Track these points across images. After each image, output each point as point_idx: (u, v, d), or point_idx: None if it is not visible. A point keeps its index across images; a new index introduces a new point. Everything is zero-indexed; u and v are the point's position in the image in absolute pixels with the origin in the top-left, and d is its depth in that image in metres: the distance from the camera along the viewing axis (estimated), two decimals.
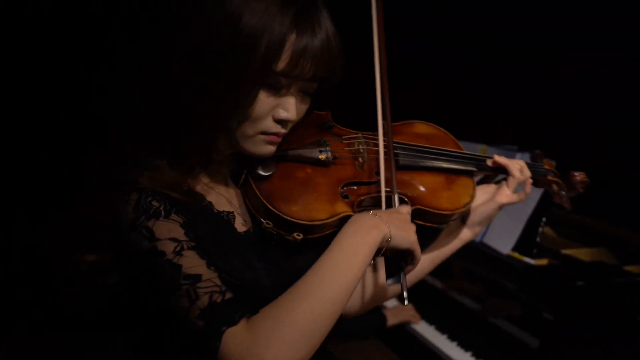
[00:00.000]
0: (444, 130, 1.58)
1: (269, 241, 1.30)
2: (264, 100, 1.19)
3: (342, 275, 1.14)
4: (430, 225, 1.43)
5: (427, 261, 1.57)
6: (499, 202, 1.52)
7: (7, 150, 3.81)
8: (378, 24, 1.38)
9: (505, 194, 1.53)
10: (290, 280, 1.19)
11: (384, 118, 1.39)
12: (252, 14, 1.14)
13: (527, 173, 1.55)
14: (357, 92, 1.59)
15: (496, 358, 2.27)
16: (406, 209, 1.33)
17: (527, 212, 2.39)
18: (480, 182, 1.61)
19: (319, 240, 1.30)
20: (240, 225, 1.30)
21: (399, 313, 2.62)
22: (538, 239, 2.35)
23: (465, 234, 1.56)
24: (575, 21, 2.82)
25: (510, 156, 2.48)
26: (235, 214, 1.30)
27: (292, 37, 1.15)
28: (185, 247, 1.12)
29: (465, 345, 2.38)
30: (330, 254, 1.17)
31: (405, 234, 1.25)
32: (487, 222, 1.57)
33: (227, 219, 1.27)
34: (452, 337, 2.46)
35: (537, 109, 2.90)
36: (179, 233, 1.13)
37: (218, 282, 1.11)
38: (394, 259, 1.29)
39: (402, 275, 1.28)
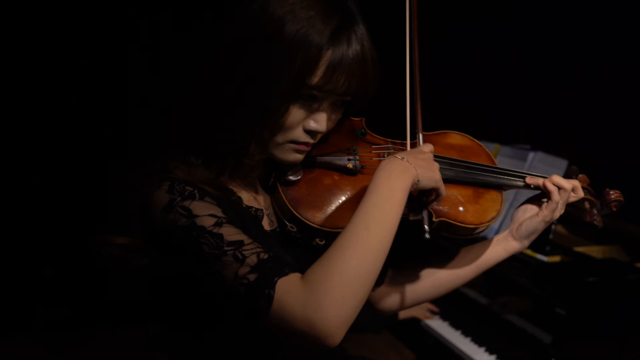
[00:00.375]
0: (478, 142, 1.58)
1: (293, 243, 1.34)
2: (296, 112, 1.23)
3: (383, 219, 1.16)
4: (455, 237, 1.44)
5: (473, 268, 1.55)
6: (546, 220, 1.47)
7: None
8: (411, 31, 1.40)
9: (550, 209, 1.47)
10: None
11: (414, 128, 1.41)
12: (294, 22, 1.17)
13: (566, 187, 1.48)
14: (392, 99, 1.61)
15: (510, 353, 2.32)
16: (429, 148, 1.35)
17: None
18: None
19: None
20: (267, 225, 1.35)
21: (412, 308, 2.64)
22: (551, 237, 2.39)
23: (513, 246, 1.53)
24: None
25: (524, 155, 2.55)
26: (263, 212, 1.34)
27: (329, 52, 1.18)
28: (224, 221, 1.15)
29: (479, 341, 2.43)
30: (369, 200, 1.18)
31: (431, 174, 1.27)
32: (536, 235, 1.52)
33: (255, 214, 1.31)
34: (466, 333, 2.51)
35: (549, 108, 2.93)
36: (217, 210, 1.16)
37: (260, 245, 1.14)
38: (420, 196, 1.32)
39: (424, 211, 1.31)
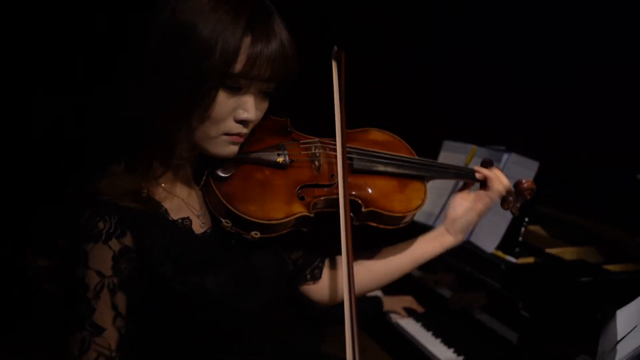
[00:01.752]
0: (398, 137, 1.66)
1: (228, 241, 1.38)
2: (224, 102, 1.26)
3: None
4: (384, 227, 1.51)
5: (409, 262, 1.65)
6: (477, 210, 1.62)
7: None
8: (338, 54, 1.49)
9: (483, 202, 1.63)
10: (243, 279, 1.33)
11: (343, 122, 1.47)
12: (205, 23, 1.21)
13: (504, 182, 1.65)
14: (315, 99, 1.66)
15: (477, 353, 2.33)
16: None
17: None
18: (460, 190, 1.69)
19: (275, 239, 1.38)
20: (198, 227, 1.38)
21: (397, 302, 2.66)
22: (520, 239, 2.39)
23: (448, 241, 1.65)
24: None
25: (498, 157, 2.56)
26: (193, 217, 1.37)
27: (248, 41, 1.23)
28: (106, 285, 1.21)
29: (449, 342, 2.44)
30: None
31: None
32: (469, 229, 1.65)
33: (182, 225, 1.35)
34: (436, 334, 2.52)
35: (524, 111, 2.94)
36: (107, 266, 1.22)
37: (113, 345, 1.22)
38: None
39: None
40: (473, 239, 2.53)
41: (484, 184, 1.67)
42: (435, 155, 2.89)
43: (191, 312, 1.31)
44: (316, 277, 1.62)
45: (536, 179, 2.27)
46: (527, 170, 2.46)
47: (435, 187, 2.60)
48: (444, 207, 2.61)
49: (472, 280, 2.43)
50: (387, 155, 1.56)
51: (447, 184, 2.66)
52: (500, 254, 2.42)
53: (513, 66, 3.16)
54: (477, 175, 1.67)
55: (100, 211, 1.23)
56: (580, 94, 2.86)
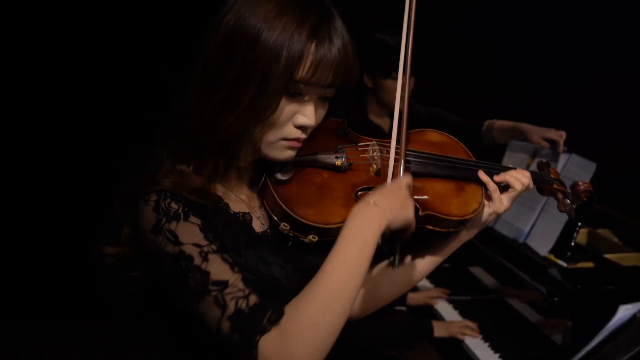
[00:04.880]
0: (455, 139, 1.62)
1: (285, 243, 1.38)
2: (285, 108, 1.27)
3: (353, 268, 1.20)
4: (440, 230, 1.46)
5: (430, 262, 1.61)
6: (496, 210, 1.54)
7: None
8: (407, 39, 1.45)
9: (500, 201, 1.53)
10: (304, 277, 1.27)
11: (399, 126, 1.44)
12: (271, 30, 1.22)
13: (526, 182, 1.55)
14: None
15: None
16: (406, 182, 1.36)
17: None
18: None
19: (333, 242, 1.36)
20: (257, 227, 1.39)
21: (450, 327, 2.59)
22: (573, 243, 2.33)
23: (464, 235, 1.59)
24: None
25: (557, 157, 2.50)
26: (253, 215, 1.39)
27: (312, 46, 1.23)
28: (208, 250, 1.21)
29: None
30: (341, 249, 1.21)
31: (404, 215, 1.29)
32: (484, 226, 1.59)
33: (243, 219, 1.36)
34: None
35: (583, 110, 2.82)
36: (200, 237, 1.22)
37: (242, 285, 1.18)
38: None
39: (398, 243, 1.35)
40: (529, 242, 2.48)
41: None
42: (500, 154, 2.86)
43: None
44: None
45: (603, 180, 2.22)
46: (584, 172, 2.39)
47: (526, 204, 2.55)
48: (534, 225, 2.52)
49: (520, 282, 2.38)
50: (444, 158, 1.52)
51: (537, 201, 2.53)
52: (552, 257, 2.36)
53: (576, 68, 3.06)
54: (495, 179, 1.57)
55: (168, 194, 1.26)
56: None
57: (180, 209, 1.24)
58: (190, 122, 1.31)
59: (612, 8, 2.89)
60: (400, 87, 1.47)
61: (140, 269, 1.34)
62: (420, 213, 1.40)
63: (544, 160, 1.73)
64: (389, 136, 1.46)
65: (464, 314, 2.69)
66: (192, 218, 1.23)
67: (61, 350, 3.98)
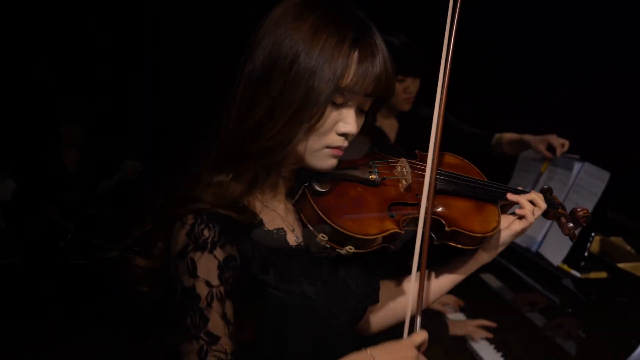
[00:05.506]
0: (468, 162, 1.66)
1: (320, 255, 1.41)
2: (329, 116, 1.31)
3: None
4: (461, 247, 1.51)
5: (447, 283, 1.63)
6: (514, 230, 1.55)
7: None
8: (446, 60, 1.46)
9: (518, 222, 1.56)
10: (333, 293, 1.38)
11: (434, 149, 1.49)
12: (309, 50, 1.27)
13: (542, 206, 1.58)
14: None
15: None
16: (420, 339, 1.40)
17: None
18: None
19: (364, 255, 1.42)
20: (292, 240, 1.42)
21: (463, 326, 2.62)
22: (586, 253, 2.32)
23: (483, 258, 1.61)
24: None
25: (570, 165, 2.49)
26: (287, 229, 1.42)
27: (354, 57, 1.28)
28: (215, 295, 1.27)
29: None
30: None
31: None
32: (503, 248, 1.61)
33: (277, 235, 1.40)
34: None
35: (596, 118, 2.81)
36: (214, 275, 1.27)
37: (228, 349, 1.26)
38: None
39: None
40: (541, 251, 2.48)
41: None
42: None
43: (288, 321, 1.36)
44: (377, 300, 1.60)
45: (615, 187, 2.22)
46: (598, 181, 2.38)
47: None
48: (546, 233, 2.53)
49: (535, 293, 2.38)
50: (466, 178, 1.58)
51: None
52: (565, 267, 2.36)
53: (587, 75, 3.05)
54: (509, 197, 1.62)
55: (204, 219, 1.30)
56: None
57: (211, 238, 1.28)
58: (232, 133, 1.34)
59: (629, 10, 2.87)
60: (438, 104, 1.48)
61: (163, 284, 1.38)
62: (446, 229, 1.45)
63: (546, 187, 1.75)
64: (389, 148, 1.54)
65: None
66: (217, 251, 1.28)
67: (61, 354, 4.04)
